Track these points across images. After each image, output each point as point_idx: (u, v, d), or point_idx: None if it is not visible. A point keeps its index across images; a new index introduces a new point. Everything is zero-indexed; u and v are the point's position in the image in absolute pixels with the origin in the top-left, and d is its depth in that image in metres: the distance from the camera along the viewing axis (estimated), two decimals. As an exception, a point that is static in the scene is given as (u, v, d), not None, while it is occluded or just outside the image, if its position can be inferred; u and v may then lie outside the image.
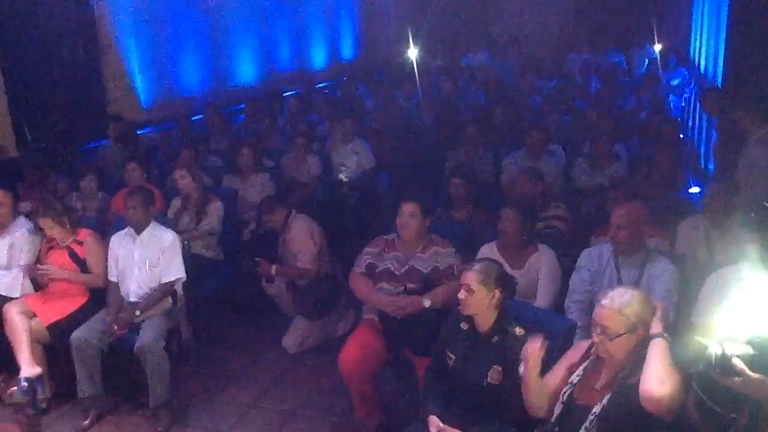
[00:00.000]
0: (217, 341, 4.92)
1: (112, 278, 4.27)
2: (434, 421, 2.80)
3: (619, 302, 2.35)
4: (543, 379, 2.53)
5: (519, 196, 4.32)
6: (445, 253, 3.72)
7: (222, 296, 5.15)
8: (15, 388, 3.79)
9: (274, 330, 4.88)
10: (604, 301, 2.38)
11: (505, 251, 3.74)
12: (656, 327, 2.33)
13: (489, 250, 3.75)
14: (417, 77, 9.40)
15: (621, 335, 2.31)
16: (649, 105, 8.07)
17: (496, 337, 2.82)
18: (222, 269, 5.11)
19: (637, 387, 2.24)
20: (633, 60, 11.30)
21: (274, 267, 4.54)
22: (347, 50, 12.73)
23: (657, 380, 2.19)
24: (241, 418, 4.04)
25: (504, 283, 2.87)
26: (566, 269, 3.76)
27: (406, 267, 3.71)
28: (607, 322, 2.33)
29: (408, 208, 3.74)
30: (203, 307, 4.92)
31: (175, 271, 4.22)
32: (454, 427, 2.75)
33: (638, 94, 8.65)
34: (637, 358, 2.31)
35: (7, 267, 4.34)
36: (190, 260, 4.48)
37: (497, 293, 2.82)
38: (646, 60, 10.72)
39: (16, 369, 3.88)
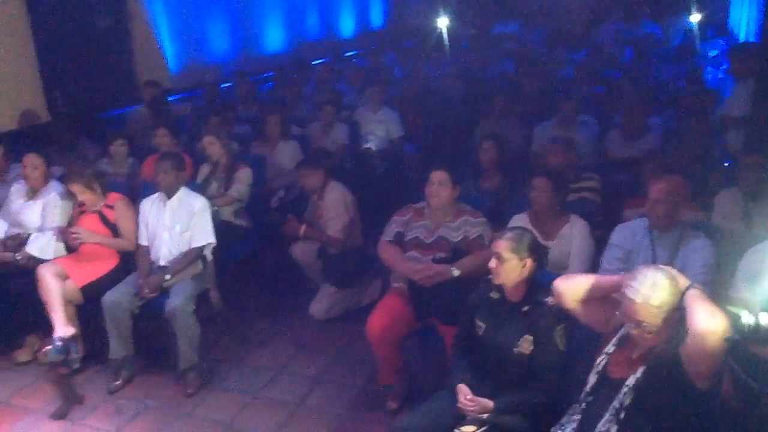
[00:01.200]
0: (244, 307, 4.97)
1: (143, 242, 4.31)
2: (463, 389, 2.79)
3: (651, 296, 2.21)
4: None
5: (551, 166, 4.25)
6: (476, 222, 3.68)
7: (249, 263, 5.18)
8: (49, 347, 3.85)
9: (300, 297, 4.92)
10: (634, 296, 2.23)
11: (537, 221, 3.69)
12: (683, 281, 2.27)
13: (520, 220, 3.70)
14: (446, 46, 9.28)
15: (659, 325, 2.24)
16: (685, 76, 7.88)
17: (526, 307, 2.80)
18: (250, 236, 5.12)
19: (673, 358, 2.20)
20: (669, 30, 11.01)
21: (303, 227, 4.53)
22: (376, 19, 12.61)
23: (707, 315, 2.11)
24: (269, 382, 4.08)
25: (536, 252, 2.83)
26: (598, 241, 3.70)
27: (436, 236, 3.69)
28: (641, 317, 2.22)
29: (437, 177, 3.71)
30: (231, 274, 4.96)
31: (204, 236, 4.24)
32: (481, 396, 2.74)
33: (674, 65, 8.44)
34: (672, 327, 2.26)
35: (41, 229, 4.41)
36: (218, 226, 4.50)
37: (529, 262, 2.79)
38: (683, 30, 10.44)
39: (50, 329, 3.95)
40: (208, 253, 4.36)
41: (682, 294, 2.23)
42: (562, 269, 3.56)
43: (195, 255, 4.24)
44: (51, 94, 6.43)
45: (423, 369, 3.92)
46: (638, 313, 2.23)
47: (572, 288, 2.54)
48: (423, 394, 3.43)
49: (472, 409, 2.71)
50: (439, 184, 3.69)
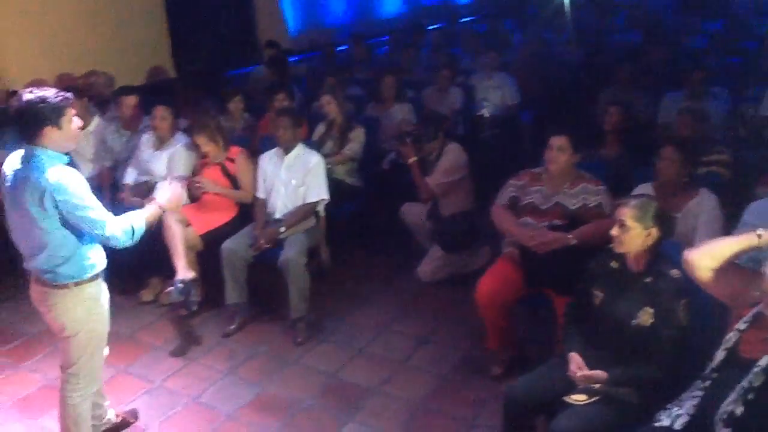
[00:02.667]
0: (353, 265, 5.05)
1: (260, 195, 4.45)
2: (575, 358, 2.71)
3: None
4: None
5: (680, 137, 4.01)
6: (595, 190, 3.53)
7: (359, 222, 5.25)
8: (171, 288, 4.06)
9: (407, 259, 4.93)
10: None
11: (662, 193, 3.49)
12: None
13: (645, 191, 3.51)
14: (567, 12, 8.93)
15: None
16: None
17: (649, 278, 2.66)
18: (361, 196, 5.18)
19: None
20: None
21: (414, 158, 4.51)
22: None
23: None
24: (374, 339, 4.13)
25: (662, 221, 2.69)
26: (727, 218, 3.47)
27: (552, 202, 3.57)
28: None
29: (557, 142, 3.58)
30: (341, 232, 5.05)
31: (318, 192, 4.32)
32: (594, 367, 2.65)
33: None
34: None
35: (166, 178, 4.63)
36: (331, 184, 4.57)
37: (654, 231, 2.65)
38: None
39: (172, 272, 4.16)
40: (320, 210, 4.46)
41: None
42: (686, 244, 3.36)
43: (309, 210, 4.33)
44: (178, 53, 6.72)
45: (531, 337, 3.84)
46: None
47: (705, 255, 2.38)
48: (529, 362, 3.38)
49: (583, 378, 2.63)
50: (558, 149, 3.56)
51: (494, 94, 6.53)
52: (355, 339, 4.14)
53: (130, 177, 4.78)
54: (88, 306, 2.80)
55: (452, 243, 4.61)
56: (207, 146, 4.46)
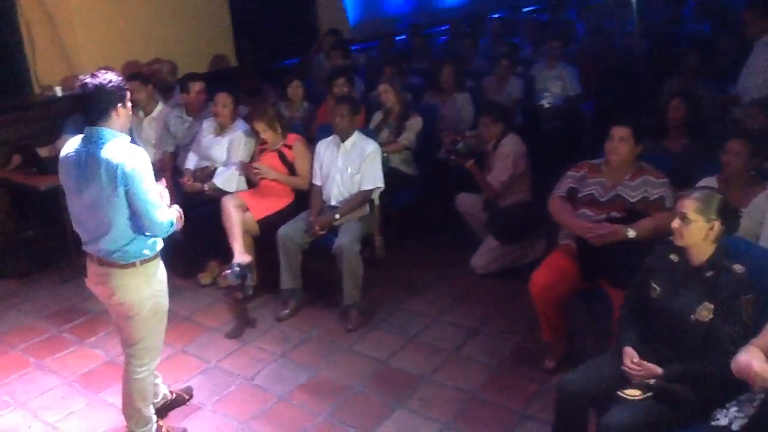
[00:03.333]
0: (406, 254, 5.06)
1: (316, 182, 4.49)
2: (629, 352, 2.64)
3: None
4: None
5: (749, 129, 3.85)
6: (657, 183, 3.43)
7: (414, 211, 5.24)
8: (228, 271, 4.16)
9: (461, 249, 4.90)
10: None
11: (727, 186, 3.35)
12: None
13: (708, 184, 3.39)
14: (634, 2, 8.69)
15: None
16: None
17: (710, 272, 2.57)
18: (416, 185, 5.17)
19: None
20: None
21: (471, 161, 4.49)
22: (558, -28, 12.03)
23: None
24: (425, 328, 4.13)
25: (726, 214, 2.58)
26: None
27: (611, 194, 3.49)
28: None
29: (618, 132, 3.49)
30: (396, 220, 5.06)
31: (374, 179, 4.34)
32: (649, 362, 2.58)
33: None
34: None
35: (226, 164, 4.74)
36: (387, 173, 4.59)
37: (717, 225, 2.55)
38: None
39: (230, 256, 4.26)
40: (375, 198, 4.47)
41: None
42: (752, 240, 3.24)
43: (364, 198, 4.35)
44: (240, 42, 6.84)
45: (586, 331, 3.77)
46: None
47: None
48: (583, 356, 3.30)
49: (637, 373, 2.56)
50: (620, 140, 3.48)
51: (555, 85, 6.42)
52: (407, 327, 4.15)
53: (190, 162, 4.89)
54: (151, 283, 2.89)
55: (507, 234, 4.56)
56: (265, 133, 4.53)
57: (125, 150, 2.66)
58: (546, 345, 3.68)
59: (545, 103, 6.31)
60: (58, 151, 2.92)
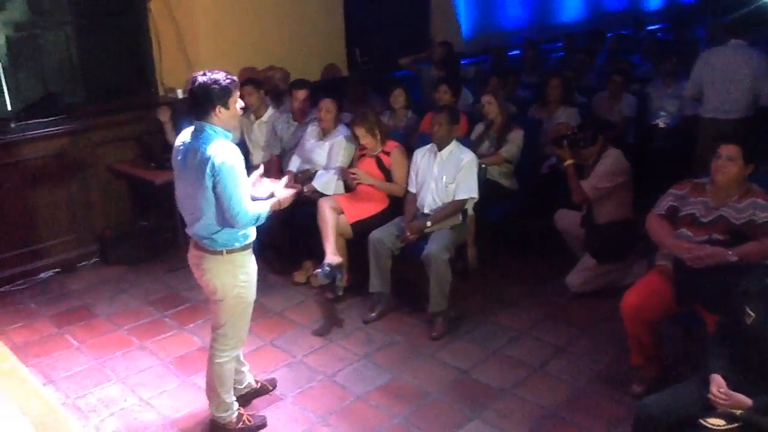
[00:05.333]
0: (500, 267, 5.00)
1: (411, 189, 4.53)
2: (717, 380, 2.48)
3: None
4: None
5: None
6: (766, 206, 3.20)
7: (511, 225, 5.16)
8: (318, 270, 4.26)
9: (557, 266, 4.76)
10: None
11: None
12: None
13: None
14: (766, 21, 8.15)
15: None
16: None
17: (812, 301, 2.38)
18: (515, 199, 5.08)
19: None
20: None
21: (571, 160, 4.37)
22: (688, -10, 11.53)
23: None
24: (511, 342, 4.06)
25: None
26: None
27: (715, 215, 3.29)
28: None
29: (726, 150, 3.28)
30: (491, 233, 5.00)
31: (468, 189, 4.32)
32: (738, 391, 2.41)
33: None
34: None
35: (326, 167, 4.88)
36: (484, 185, 4.55)
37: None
38: None
39: (323, 257, 4.36)
40: (469, 208, 4.45)
41: None
42: None
43: (457, 207, 4.34)
44: (352, 52, 7.02)
45: (680, 358, 3.57)
46: None
47: None
48: (675, 384, 3.13)
49: (724, 402, 2.41)
50: (728, 159, 3.27)
51: (671, 104, 6.13)
52: (492, 340, 4.08)
53: (293, 165, 5.07)
54: (236, 273, 3.03)
55: (605, 252, 4.39)
56: (365, 138, 4.62)
57: (219, 146, 2.83)
58: (636, 369, 3.51)
59: (660, 122, 6.05)
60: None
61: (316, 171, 4.92)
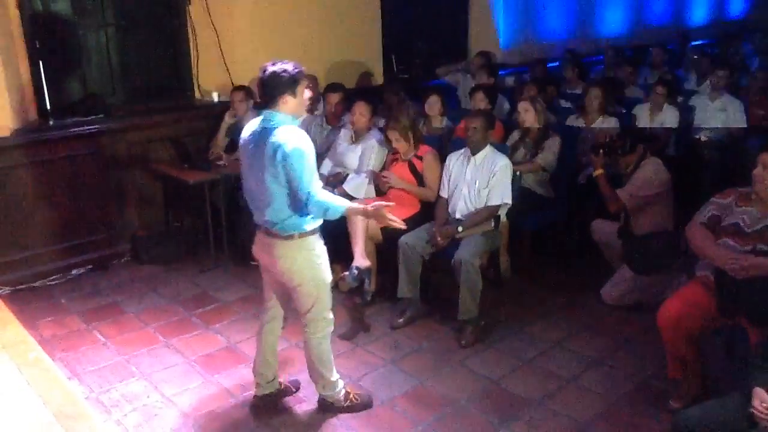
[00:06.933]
0: (534, 276, 4.88)
1: (443, 194, 4.46)
2: (760, 394, 2.34)
3: None
4: None
5: None
6: (814, 216, 3.05)
7: (546, 234, 5.05)
8: (346, 273, 4.20)
9: (593, 277, 4.63)
10: None
11: None
12: None
13: None
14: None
15: None
16: None
17: None
18: (551, 207, 4.96)
19: None
20: None
21: (602, 169, 4.28)
22: (736, 5, 11.25)
23: None
24: (543, 352, 3.93)
25: None
26: None
27: (760, 225, 3.13)
28: None
29: (767, 159, 3.14)
30: (525, 241, 4.89)
31: (501, 195, 4.23)
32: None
33: None
34: None
35: (357, 170, 4.83)
36: (519, 192, 4.46)
37: None
38: None
39: (351, 261, 4.29)
40: (502, 215, 4.35)
41: None
42: None
43: (489, 213, 4.25)
44: (388, 60, 7.00)
45: (721, 375, 3.39)
46: None
47: None
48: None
49: (767, 417, 2.26)
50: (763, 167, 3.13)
51: (715, 117, 5.95)
52: (524, 350, 3.96)
53: (325, 167, 5.04)
54: (309, 256, 3.08)
55: (643, 264, 4.23)
56: (398, 142, 4.57)
57: (289, 132, 2.90)
58: (675, 383, 3.35)
59: (702, 136, 5.87)
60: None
61: (347, 174, 4.87)
